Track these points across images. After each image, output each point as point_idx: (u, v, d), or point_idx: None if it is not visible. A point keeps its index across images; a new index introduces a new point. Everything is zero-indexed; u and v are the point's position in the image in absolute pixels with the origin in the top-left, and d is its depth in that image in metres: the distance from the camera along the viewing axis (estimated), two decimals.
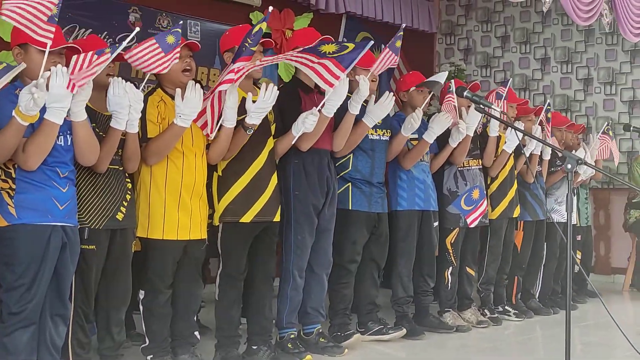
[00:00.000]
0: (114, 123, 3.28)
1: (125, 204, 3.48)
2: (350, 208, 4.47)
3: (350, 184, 4.49)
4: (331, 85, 3.83)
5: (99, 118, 3.38)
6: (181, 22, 3.63)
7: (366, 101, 4.50)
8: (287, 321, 4.18)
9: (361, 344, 4.51)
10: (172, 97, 3.58)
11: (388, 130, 4.66)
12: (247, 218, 3.84)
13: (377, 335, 4.66)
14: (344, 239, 4.48)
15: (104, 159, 3.32)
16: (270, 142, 3.97)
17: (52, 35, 2.96)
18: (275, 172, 4.00)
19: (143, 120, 3.53)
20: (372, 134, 4.53)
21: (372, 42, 3.97)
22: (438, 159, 5.06)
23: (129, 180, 3.55)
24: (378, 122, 4.50)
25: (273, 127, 4.01)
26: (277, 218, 3.98)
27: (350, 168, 4.50)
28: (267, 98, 3.62)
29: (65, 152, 3.18)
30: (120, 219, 3.45)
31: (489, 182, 5.41)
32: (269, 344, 4.04)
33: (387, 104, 4.36)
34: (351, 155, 4.49)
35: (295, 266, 4.16)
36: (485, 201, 5.22)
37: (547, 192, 6.03)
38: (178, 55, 3.43)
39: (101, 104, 3.35)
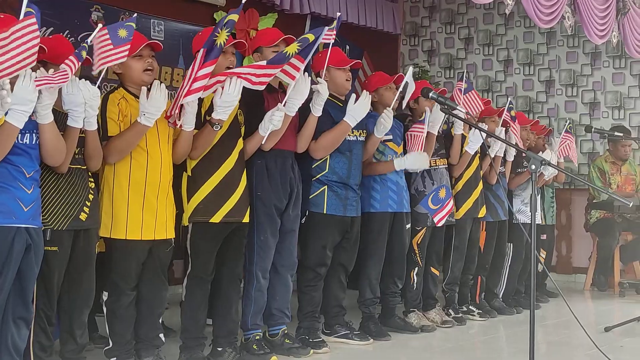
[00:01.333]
0: (70, 121, 3.24)
1: (89, 203, 3.44)
2: (325, 212, 4.44)
3: (326, 187, 4.45)
4: (293, 77, 3.85)
5: (58, 116, 3.35)
6: (135, 14, 3.57)
7: (341, 101, 4.52)
8: (252, 322, 4.16)
9: (329, 343, 4.52)
10: (134, 96, 3.57)
11: (364, 131, 4.65)
12: (216, 218, 3.82)
13: (343, 339, 4.66)
14: (316, 243, 4.45)
15: (65, 159, 3.28)
16: (241, 143, 3.96)
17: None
18: (245, 173, 4.00)
19: (103, 118, 3.51)
20: (348, 135, 4.51)
21: (326, 28, 4.01)
22: None
23: (92, 179, 3.51)
24: None
25: (243, 129, 4.00)
26: (246, 219, 3.97)
27: (327, 170, 4.46)
28: (231, 91, 3.60)
29: (32, 150, 3.15)
30: (84, 220, 3.41)
31: (453, 182, 5.45)
32: (234, 345, 4.03)
33: (366, 103, 4.40)
34: (328, 156, 4.47)
35: (258, 267, 4.15)
36: (452, 200, 5.26)
37: (513, 193, 6.10)
38: (127, 52, 3.35)
39: (59, 101, 3.32)
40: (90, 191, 3.46)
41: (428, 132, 4.93)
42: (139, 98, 3.54)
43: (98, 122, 3.40)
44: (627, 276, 7.25)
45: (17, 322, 3.17)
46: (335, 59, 4.49)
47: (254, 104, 4.06)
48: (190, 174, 3.84)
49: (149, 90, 3.43)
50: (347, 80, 4.53)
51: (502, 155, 5.75)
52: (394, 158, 4.83)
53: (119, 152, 3.53)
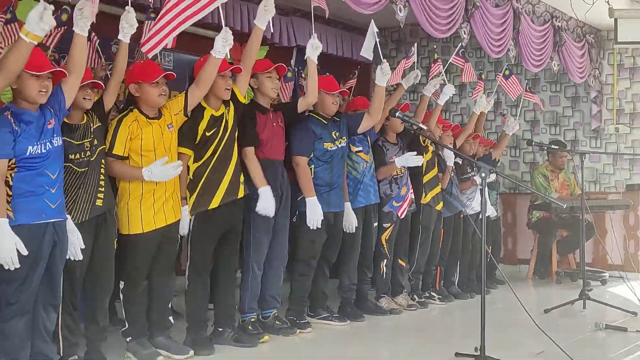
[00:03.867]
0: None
1: (102, 189, 3.41)
2: None
3: None
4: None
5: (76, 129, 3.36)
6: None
7: (327, 119, 4.54)
8: (248, 307, 4.17)
9: (313, 324, 4.55)
10: (147, 117, 3.60)
11: (343, 138, 4.62)
12: (214, 204, 3.82)
13: (324, 320, 4.68)
14: (306, 239, 4.44)
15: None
16: (236, 149, 3.96)
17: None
18: (232, 164, 3.95)
19: (114, 137, 3.53)
20: (330, 146, 4.51)
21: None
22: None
23: (103, 177, 3.47)
24: (335, 135, 4.53)
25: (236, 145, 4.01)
26: (241, 194, 3.93)
27: (312, 175, 4.44)
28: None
29: (55, 154, 3.11)
30: (100, 205, 3.38)
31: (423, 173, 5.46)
32: (232, 326, 4.04)
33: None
34: (313, 166, 4.47)
35: (254, 260, 4.16)
36: (411, 194, 5.24)
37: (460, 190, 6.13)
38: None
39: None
40: (101, 182, 3.42)
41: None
42: (151, 118, 3.58)
43: (108, 138, 3.48)
44: (563, 266, 7.30)
45: (46, 308, 3.17)
46: (326, 85, 4.53)
47: (249, 122, 4.09)
48: (192, 177, 3.85)
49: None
50: (333, 103, 4.56)
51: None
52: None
53: (117, 175, 3.57)
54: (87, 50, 3.19)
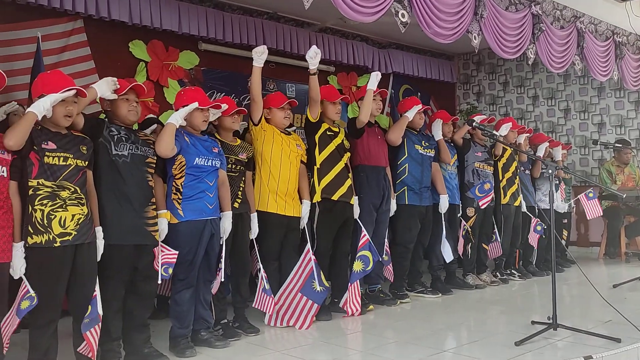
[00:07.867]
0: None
1: (239, 196, 3.52)
2: (406, 203, 4.43)
3: (406, 187, 4.45)
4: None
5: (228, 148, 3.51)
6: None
7: (416, 130, 4.53)
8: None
9: (410, 296, 4.54)
10: (280, 130, 3.76)
11: (432, 149, 4.63)
12: (336, 197, 3.90)
13: (420, 294, 4.65)
14: (404, 227, 4.44)
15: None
16: (345, 157, 4.02)
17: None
18: (350, 176, 4.03)
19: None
20: (420, 149, 4.51)
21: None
22: None
23: (242, 184, 3.59)
24: (424, 144, 4.52)
25: (348, 154, 4.08)
26: (352, 201, 4.00)
27: (407, 174, 4.46)
28: None
29: (214, 170, 3.30)
30: (237, 207, 3.49)
31: (500, 178, 5.32)
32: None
33: None
34: (407, 165, 4.47)
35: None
36: (493, 193, 5.11)
37: (535, 187, 5.89)
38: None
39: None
40: (239, 192, 3.53)
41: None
42: (282, 132, 3.73)
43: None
44: (631, 247, 6.81)
45: (205, 283, 3.34)
46: (412, 105, 4.52)
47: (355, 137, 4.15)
48: (318, 167, 3.93)
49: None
50: (420, 118, 4.54)
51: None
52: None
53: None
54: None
